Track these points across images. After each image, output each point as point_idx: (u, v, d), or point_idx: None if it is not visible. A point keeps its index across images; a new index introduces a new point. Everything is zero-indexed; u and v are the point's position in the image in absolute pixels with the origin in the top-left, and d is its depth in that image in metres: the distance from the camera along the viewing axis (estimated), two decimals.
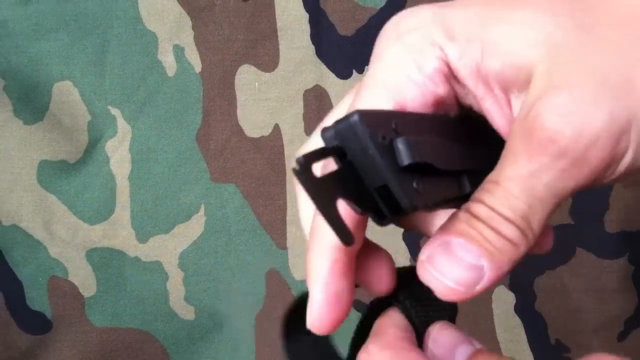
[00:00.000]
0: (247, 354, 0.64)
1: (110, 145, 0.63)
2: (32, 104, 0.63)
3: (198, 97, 0.63)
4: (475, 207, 0.28)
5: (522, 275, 0.64)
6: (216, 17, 0.63)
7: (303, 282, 0.64)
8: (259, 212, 0.64)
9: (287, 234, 0.64)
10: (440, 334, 0.31)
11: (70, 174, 0.63)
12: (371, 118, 0.27)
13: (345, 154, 0.27)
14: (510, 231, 0.27)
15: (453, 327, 0.31)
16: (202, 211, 0.64)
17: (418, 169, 0.27)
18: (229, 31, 0.63)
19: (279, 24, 0.63)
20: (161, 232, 0.64)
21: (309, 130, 0.63)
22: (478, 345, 0.30)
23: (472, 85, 0.30)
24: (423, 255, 0.28)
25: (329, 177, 0.26)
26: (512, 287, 0.64)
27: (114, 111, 0.63)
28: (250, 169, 0.64)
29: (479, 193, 0.28)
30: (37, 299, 0.64)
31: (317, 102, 0.63)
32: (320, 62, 0.63)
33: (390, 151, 0.27)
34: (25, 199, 0.63)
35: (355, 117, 0.26)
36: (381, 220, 0.28)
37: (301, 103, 0.63)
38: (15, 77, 0.62)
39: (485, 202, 0.28)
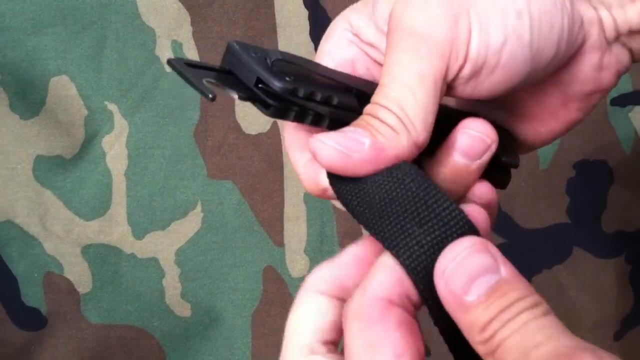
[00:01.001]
0: (243, 350, 0.64)
1: (106, 141, 0.63)
2: (28, 98, 0.62)
3: (196, 94, 0.63)
4: (366, 107, 0.32)
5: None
6: (215, 13, 0.62)
7: (300, 278, 0.64)
8: (256, 209, 0.64)
9: (284, 231, 0.64)
10: (463, 262, 0.27)
11: (67, 170, 0.63)
12: (248, 45, 0.33)
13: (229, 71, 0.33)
14: (389, 117, 0.31)
15: (482, 251, 0.27)
16: (199, 208, 0.64)
17: (287, 64, 0.33)
18: (228, 27, 0.63)
19: (278, 21, 0.63)
20: (157, 228, 0.64)
21: None
22: (505, 271, 0.27)
23: (375, 40, 0.35)
24: (316, 135, 0.31)
25: (203, 67, 0.33)
26: None
27: (111, 106, 0.63)
28: (247, 166, 0.64)
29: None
30: (32, 295, 0.63)
31: None
32: None
33: (264, 60, 0.32)
34: (21, 195, 0.63)
35: (233, 43, 0.33)
36: (266, 108, 0.33)
37: None
38: (11, 72, 0.61)
39: (372, 100, 0.32)
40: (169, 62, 0.32)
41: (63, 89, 0.62)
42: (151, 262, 0.64)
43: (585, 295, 0.64)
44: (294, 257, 0.64)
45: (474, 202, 0.33)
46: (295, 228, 0.64)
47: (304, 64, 0.34)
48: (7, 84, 0.62)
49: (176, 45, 0.62)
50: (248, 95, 0.33)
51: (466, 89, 0.33)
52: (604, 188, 0.64)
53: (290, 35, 0.63)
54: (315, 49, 0.63)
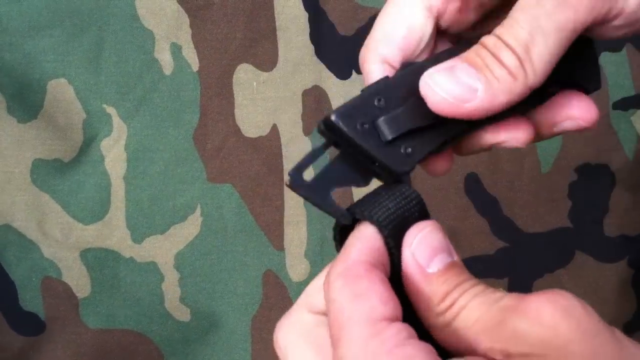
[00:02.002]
0: (243, 355, 0.64)
1: (105, 144, 0.63)
2: (26, 101, 0.62)
3: (195, 96, 0.63)
4: (485, 38, 0.31)
5: (521, 278, 0.64)
6: (214, 15, 0.62)
7: (300, 283, 0.63)
8: (256, 212, 0.64)
9: (284, 235, 0.64)
10: (428, 236, 0.31)
11: (65, 173, 0.63)
12: (348, 111, 0.32)
13: (337, 143, 0.32)
14: (510, 59, 0.30)
15: (441, 232, 0.31)
16: (198, 212, 0.63)
17: (403, 135, 0.32)
18: (227, 30, 0.62)
19: (278, 23, 0.62)
20: (157, 232, 0.63)
21: (307, 131, 0.63)
22: (456, 257, 0.31)
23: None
24: (429, 72, 0.31)
25: (320, 175, 0.32)
26: (511, 289, 0.64)
27: (110, 110, 0.62)
28: (247, 170, 0.63)
29: (496, 28, 0.31)
30: (31, 300, 0.63)
31: (316, 103, 0.63)
32: (319, 62, 0.63)
33: (373, 132, 0.32)
34: (19, 198, 0.63)
35: (334, 117, 0.32)
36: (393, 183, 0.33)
37: (300, 103, 0.63)
38: (9, 74, 0.61)
39: (495, 32, 0.31)
40: (289, 186, 0.32)
41: (61, 92, 0.62)
42: (150, 267, 0.63)
43: (587, 300, 0.63)
44: (294, 262, 0.64)
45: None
46: (296, 232, 0.64)
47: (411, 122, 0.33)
48: (5, 86, 0.61)
49: (175, 47, 0.62)
50: (368, 179, 0.33)
51: (608, 33, 0.32)
52: (606, 192, 0.64)
53: (290, 37, 0.63)
54: (315, 51, 0.63)
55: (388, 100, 0.32)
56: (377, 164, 0.32)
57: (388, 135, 0.32)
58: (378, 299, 0.28)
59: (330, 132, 0.32)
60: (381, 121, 0.32)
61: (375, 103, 0.32)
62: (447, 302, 0.29)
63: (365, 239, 0.31)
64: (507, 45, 0.30)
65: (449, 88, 0.30)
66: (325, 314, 0.31)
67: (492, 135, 0.34)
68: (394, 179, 0.33)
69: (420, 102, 0.32)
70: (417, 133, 0.32)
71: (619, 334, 0.28)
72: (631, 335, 0.68)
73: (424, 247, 0.30)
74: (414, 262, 0.30)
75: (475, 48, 0.31)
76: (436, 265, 0.30)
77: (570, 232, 0.64)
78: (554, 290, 0.28)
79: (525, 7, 0.30)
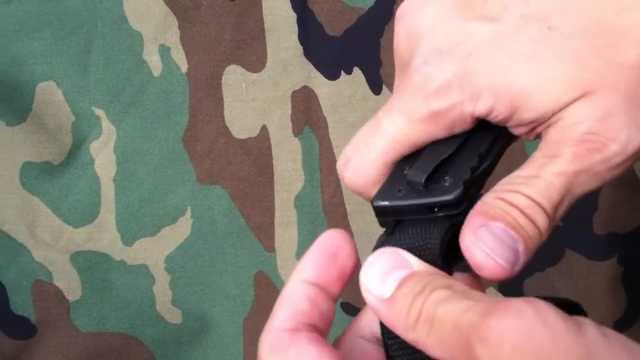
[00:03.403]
0: (235, 357, 0.64)
1: (94, 147, 0.63)
2: (14, 104, 0.62)
3: (184, 98, 0.63)
4: (511, 196, 0.30)
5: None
6: (202, 16, 0.62)
7: None
8: (246, 214, 0.64)
9: (275, 237, 0.64)
10: (374, 264, 0.31)
11: (54, 176, 0.63)
12: (383, 189, 0.33)
13: (398, 221, 0.33)
14: (542, 220, 0.30)
15: (392, 253, 0.31)
16: (188, 214, 0.63)
17: (434, 173, 0.32)
18: (216, 31, 0.62)
19: (266, 24, 0.62)
20: (147, 234, 0.63)
21: (297, 131, 0.63)
22: (416, 267, 0.30)
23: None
24: (468, 232, 0.30)
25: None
26: (501, 289, 0.64)
27: (99, 112, 0.62)
28: (237, 171, 0.63)
29: (513, 185, 0.31)
30: (21, 304, 0.63)
31: (305, 103, 0.63)
32: (308, 62, 0.63)
33: (412, 188, 0.32)
34: (8, 202, 0.63)
35: (374, 202, 0.33)
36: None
37: (289, 104, 0.63)
38: None
39: (524, 192, 0.30)
40: None
41: (50, 95, 0.62)
42: (141, 269, 0.63)
43: (578, 298, 0.64)
44: (286, 263, 0.64)
45: None
46: (286, 233, 0.64)
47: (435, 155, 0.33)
48: None
49: (164, 49, 0.62)
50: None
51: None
52: (595, 190, 0.64)
53: (279, 38, 0.63)
54: (304, 52, 0.63)
55: (412, 161, 0.33)
56: (435, 209, 0.32)
57: (421, 178, 0.32)
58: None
59: (384, 216, 0.33)
60: (410, 174, 0.33)
61: (405, 171, 0.33)
62: (412, 316, 0.29)
63: (288, 302, 0.32)
64: (541, 207, 0.30)
65: (500, 252, 0.30)
66: None
67: None
68: (456, 209, 0.32)
69: (435, 143, 0.33)
70: (447, 163, 0.33)
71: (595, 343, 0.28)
72: (622, 332, 0.68)
73: (373, 277, 0.30)
74: (372, 299, 0.30)
75: (501, 205, 0.30)
76: (390, 286, 0.30)
77: (559, 230, 0.64)
78: (523, 304, 0.27)
79: (563, 175, 0.31)
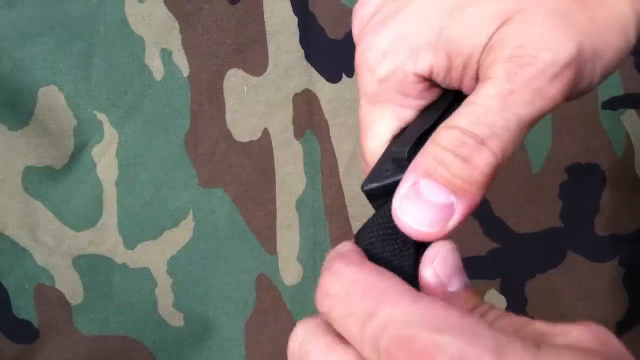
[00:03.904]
0: (237, 359, 0.64)
1: (96, 151, 0.63)
2: (17, 109, 0.62)
3: (186, 102, 0.63)
4: (444, 136, 0.29)
5: (513, 279, 0.64)
6: (204, 20, 0.62)
7: (293, 286, 0.63)
8: (248, 217, 0.64)
9: (277, 239, 0.64)
10: (448, 255, 0.29)
11: (56, 180, 0.63)
12: (372, 173, 0.33)
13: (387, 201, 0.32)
14: (482, 156, 0.28)
15: (458, 252, 0.30)
16: (190, 217, 0.63)
17: (417, 145, 0.31)
18: (217, 35, 0.62)
19: (267, 28, 0.62)
20: (149, 238, 0.63)
21: (298, 134, 0.63)
22: (468, 281, 0.30)
23: (447, 80, 0.32)
24: (396, 202, 0.29)
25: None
26: (503, 290, 0.64)
27: (100, 116, 0.62)
28: (239, 174, 0.63)
29: (451, 118, 0.29)
30: (24, 308, 0.63)
31: (306, 106, 0.63)
32: (309, 65, 0.63)
33: (398, 165, 0.32)
34: (10, 206, 0.63)
35: (364, 187, 0.32)
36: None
37: (290, 107, 0.63)
38: None
39: (459, 124, 0.29)
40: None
41: (52, 99, 0.62)
42: (143, 272, 0.63)
43: (579, 299, 0.64)
44: (287, 265, 0.64)
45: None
46: (288, 236, 0.64)
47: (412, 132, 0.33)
48: None
49: (165, 53, 0.62)
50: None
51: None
52: (597, 191, 0.64)
53: (280, 42, 0.63)
54: (305, 55, 0.63)
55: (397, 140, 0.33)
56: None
57: (404, 153, 0.31)
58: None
59: (376, 199, 0.32)
60: (393, 151, 0.32)
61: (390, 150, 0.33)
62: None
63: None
64: (477, 139, 0.29)
65: (425, 219, 0.29)
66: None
67: None
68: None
69: (417, 119, 0.33)
70: (429, 134, 0.32)
71: None
72: (624, 334, 0.68)
73: (444, 266, 0.29)
74: (435, 279, 0.29)
75: (433, 153, 0.29)
76: (455, 285, 0.29)
77: (561, 232, 0.64)
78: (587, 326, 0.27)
79: (499, 95, 0.29)
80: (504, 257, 0.64)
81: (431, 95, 0.34)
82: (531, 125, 0.29)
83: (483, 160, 0.28)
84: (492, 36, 0.30)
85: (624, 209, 0.64)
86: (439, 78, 0.32)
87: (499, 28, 0.30)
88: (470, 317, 0.26)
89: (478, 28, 0.30)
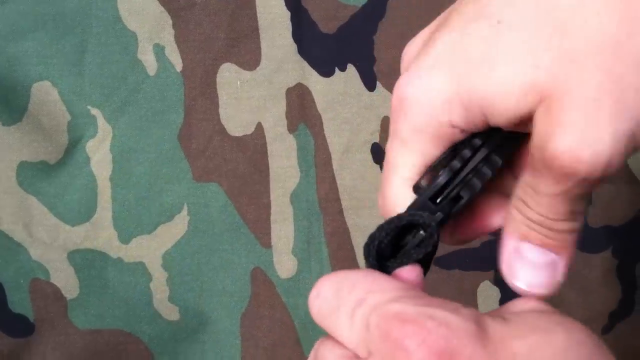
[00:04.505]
0: (232, 353, 0.64)
1: (90, 146, 0.63)
2: (10, 104, 0.62)
3: (179, 96, 0.63)
4: (526, 210, 0.31)
5: None
6: (197, 15, 0.62)
7: (288, 279, 0.64)
8: (242, 210, 0.64)
9: (272, 233, 0.64)
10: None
11: (51, 175, 0.63)
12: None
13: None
14: (562, 226, 0.31)
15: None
16: (185, 211, 0.63)
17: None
18: (210, 30, 0.62)
19: (260, 23, 0.62)
20: (144, 232, 0.63)
21: (291, 128, 0.63)
22: None
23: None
24: (504, 267, 0.32)
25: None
26: (496, 282, 0.64)
27: (94, 111, 0.63)
28: (233, 168, 0.63)
29: (524, 196, 0.31)
30: (19, 302, 0.63)
31: (299, 100, 0.63)
32: (302, 60, 0.63)
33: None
34: (5, 201, 0.63)
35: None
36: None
37: (284, 101, 0.63)
38: None
39: (533, 208, 0.31)
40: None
41: (45, 95, 0.62)
42: (138, 267, 0.64)
43: (573, 290, 0.64)
44: (282, 258, 0.64)
45: None
46: (282, 229, 0.64)
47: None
48: None
49: (158, 48, 0.62)
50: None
51: None
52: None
53: (273, 36, 0.63)
54: (298, 50, 0.63)
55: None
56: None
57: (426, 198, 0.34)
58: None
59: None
60: (422, 188, 0.34)
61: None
62: None
63: None
64: (552, 220, 0.31)
65: (538, 281, 0.32)
66: None
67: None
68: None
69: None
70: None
71: None
72: (617, 324, 0.69)
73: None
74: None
75: (524, 221, 0.31)
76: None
77: None
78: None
79: (555, 194, 0.30)
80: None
81: (463, 135, 0.34)
82: None
83: (563, 227, 0.31)
84: (529, 112, 0.30)
85: (617, 200, 0.64)
86: (474, 128, 0.33)
87: (535, 107, 0.30)
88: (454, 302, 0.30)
89: (515, 99, 0.30)
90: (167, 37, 0.62)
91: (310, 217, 0.64)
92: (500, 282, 0.64)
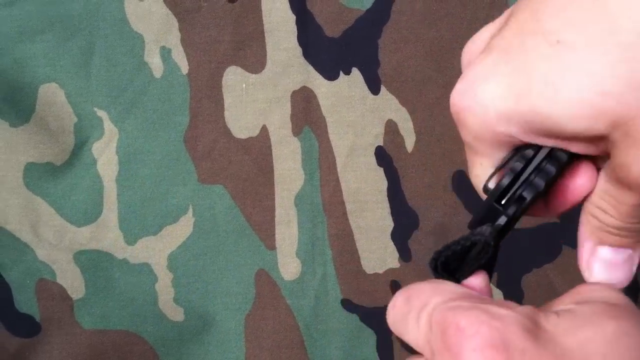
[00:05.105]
0: (237, 354, 0.64)
1: (97, 147, 0.63)
2: (17, 106, 0.62)
3: (185, 99, 0.63)
4: (604, 217, 0.33)
5: (509, 273, 0.64)
6: (203, 18, 0.63)
7: (292, 281, 0.64)
8: (247, 212, 0.64)
9: (276, 235, 0.64)
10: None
11: (57, 176, 0.63)
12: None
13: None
14: (632, 225, 0.33)
15: None
16: (190, 212, 0.64)
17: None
18: (216, 33, 0.63)
19: (265, 26, 0.63)
20: (149, 233, 0.64)
21: (296, 131, 0.63)
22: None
23: None
24: (584, 270, 0.35)
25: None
26: (499, 284, 0.64)
27: (101, 113, 0.63)
28: (238, 170, 0.64)
29: (603, 205, 0.33)
30: (26, 302, 0.63)
31: (304, 103, 0.63)
32: (307, 63, 0.63)
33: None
34: (12, 202, 0.63)
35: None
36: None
37: (288, 104, 0.63)
38: (0, 79, 0.61)
39: (614, 216, 0.33)
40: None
41: (52, 96, 0.62)
42: (143, 268, 0.64)
43: None
44: (286, 260, 0.64)
45: None
46: (287, 231, 0.64)
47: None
48: None
49: (165, 51, 0.63)
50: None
51: None
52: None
53: (278, 40, 0.63)
54: (303, 53, 0.63)
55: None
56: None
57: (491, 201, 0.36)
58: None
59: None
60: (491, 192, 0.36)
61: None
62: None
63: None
64: (630, 226, 0.33)
65: (619, 277, 0.34)
66: None
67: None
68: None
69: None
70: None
71: None
72: None
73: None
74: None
75: (599, 227, 0.34)
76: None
77: (556, 227, 0.64)
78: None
79: (636, 205, 0.32)
80: (501, 252, 0.64)
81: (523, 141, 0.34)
82: None
83: (634, 226, 0.33)
84: (602, 136, 0.30)
85: None
86: (535, 140, 0.33)
87: (609, 132, 0.30)
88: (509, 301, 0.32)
89: (585, 123, 0.30)
90: (174, 40, 0.62)
91: (314, 219, 0.64)
92: (503, 284, 0.64)
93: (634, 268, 0.34)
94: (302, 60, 0.63)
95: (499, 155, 0.35)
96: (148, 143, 0.63)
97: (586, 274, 0.35)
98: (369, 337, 0.64)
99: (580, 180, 0.34)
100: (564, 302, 0.33)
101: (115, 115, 0.63)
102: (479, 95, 0.32)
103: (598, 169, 0.34)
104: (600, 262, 0.34)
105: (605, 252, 0.34)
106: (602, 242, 0.34)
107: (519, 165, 0.34)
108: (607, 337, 0.30)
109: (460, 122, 0.34)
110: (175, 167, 0.63)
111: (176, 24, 0.62)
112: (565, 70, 0.30)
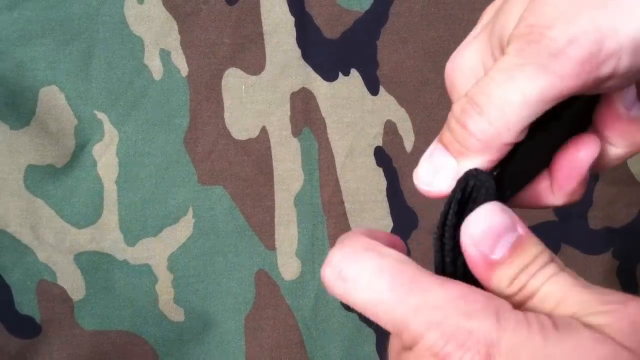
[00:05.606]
0: (237, 354, 0.64)
1: (97, 150, 0.63)
2: (18, 109, 0.62)
3: (185, 101, 0.63)
4: (456, 105, 0.30)
5: None
6: (202, 21, 0.63)
7: (292, 282, 0.64)
8: (247, 213, 0.64)
9: (276, 235, 0.64)
10: (486, 220, 0.30)
11: (58, 179, 0.63)
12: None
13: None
14: (473, 121, 0.30)
15: (502, 212, 0.30)
16: (190, 214, 0.64)
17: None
18: (215, 35, 0.63)
19: (264, 28, 0.63)
20: (149, 235, 0.64)
21: (295, 132, 0.64)
22: (521, 230, 0.30)
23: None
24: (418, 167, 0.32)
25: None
26: None
27: (101, 115, 0.63)
28: (238, 171, 0.64)
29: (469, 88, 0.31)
30: (26, 303, 0.64)
31: (303, 105, 0.64)
32: (306, 65, 0.63)
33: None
34: (13, 204, 0.63)
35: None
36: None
37: (288, 106, 0.64)
38: (0, 83, 0.62)
39: (468, 93, 0.30)
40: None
41: (53, 99, 0.62)
42: (144, 269, 0.64)
43: None
44: (286, 261, 0.64)
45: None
46: (287, 232, 0.64)
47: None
48: None
49: (164, 53, 0.63)
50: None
51: (604, 90, 0.30)
52: (590, 185, 0.64)
53: (277, 42, 0.63)
54: (302, 55, 0.63)
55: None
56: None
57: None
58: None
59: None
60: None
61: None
62: (516, 286, 0.29)
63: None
64: (475, 104, 0.30)
65: (426, 176, 0.31)
66: None
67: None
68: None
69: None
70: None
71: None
72: None
73: (485, 237, 0.29)
74: (476, 253, 0.29)
75: (448, 121, 0.31)
76: (501, 250, 0.29)
77: (555, 225, 0.65)
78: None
79: (504, 69, 0.29)
80: None
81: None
82: (544, 103, 0.29)
83: (478, 127, 0.30)
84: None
85: (617, 202, 0.65)
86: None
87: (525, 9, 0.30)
88: (497, 299, 0.28)
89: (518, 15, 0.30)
90: (173, 43, 0.63)
91: (314, 219, 0.64)
92: None
93: (451, 182, 0.31)
94: (301, 61, 0.63)
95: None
96: (148, 145, 0.63)
97: (415, 172, 0.32)
98: (369, 337, 0.64)
99: (585, 150, 0.33)
100: (597, 307, 0.29)
101: (116, 118, 0.63)
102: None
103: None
104: (428, 160, 0.31)
105: (437, 150, 0.31)
106: (440, 140, 0.31)
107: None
108: None
109: (450, 85, 0.34)
110: (175, 169, 0.64)
111: (176, 27, 0.62)
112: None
